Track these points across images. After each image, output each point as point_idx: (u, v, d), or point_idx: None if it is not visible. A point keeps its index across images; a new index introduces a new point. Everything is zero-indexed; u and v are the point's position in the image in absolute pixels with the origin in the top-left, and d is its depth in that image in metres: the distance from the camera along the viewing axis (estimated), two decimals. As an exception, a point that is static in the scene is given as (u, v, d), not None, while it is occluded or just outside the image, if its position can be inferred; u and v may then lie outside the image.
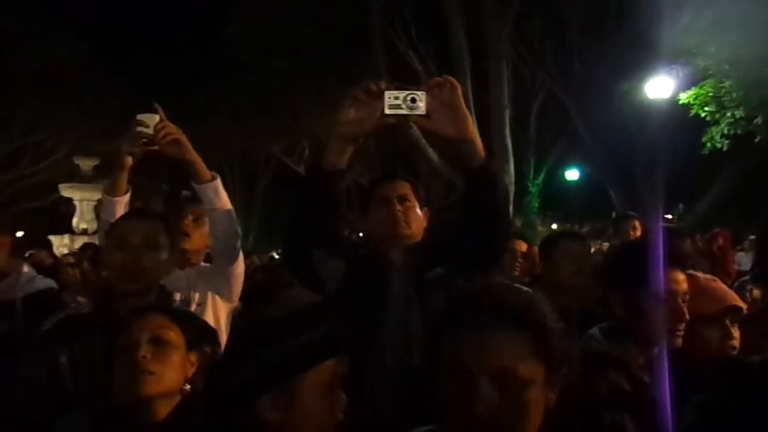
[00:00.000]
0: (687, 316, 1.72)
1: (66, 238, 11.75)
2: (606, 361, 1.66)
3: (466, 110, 1.84)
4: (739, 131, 10.64)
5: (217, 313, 2.42)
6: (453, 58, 12.99)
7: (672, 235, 2.82)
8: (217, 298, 2.42)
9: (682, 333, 1.72)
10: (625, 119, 14.09)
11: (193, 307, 2.37)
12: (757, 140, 10.71)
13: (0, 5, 14.48)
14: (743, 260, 6.98)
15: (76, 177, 13.43)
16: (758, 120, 10.30)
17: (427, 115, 1.78)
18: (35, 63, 15.65)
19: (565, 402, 1.09)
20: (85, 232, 12.13)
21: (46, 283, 3.45)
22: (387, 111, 1.76)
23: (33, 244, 6.56)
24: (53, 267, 5.26)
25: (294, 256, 2.07)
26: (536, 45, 15.21)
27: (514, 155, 13.67)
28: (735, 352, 1.85)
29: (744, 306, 1.96)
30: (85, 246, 5.79)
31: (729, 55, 9.76)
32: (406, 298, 1.98)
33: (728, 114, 10.50)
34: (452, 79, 1.84)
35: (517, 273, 3.45)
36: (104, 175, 12.19)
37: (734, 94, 10.28)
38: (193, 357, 1.64)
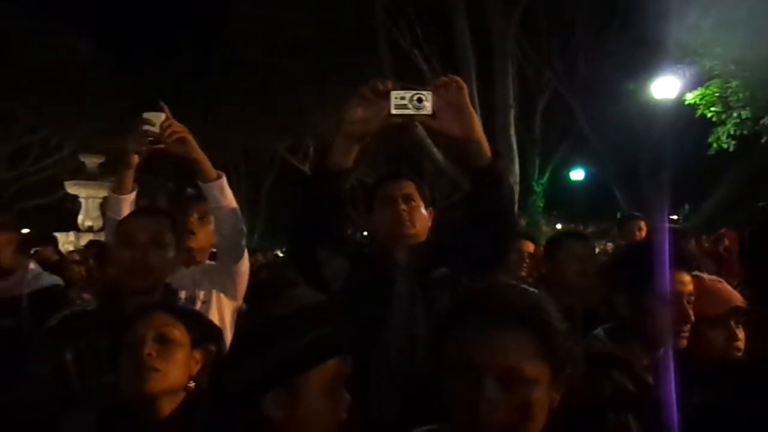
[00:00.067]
0: (692, 318, 1.71)
1: (71, 235, 11.78)
2: (610, 361, 1.66)
3: (472, 110, 1.84)
4: (745, 132, 10.59)
5: (222, 311, 2.42)
6: (458, 57, 12.97)
7: (677, 236, 2.82)
8: (222, 296, 2.43)
9: (687, 334, 1.72)
10: (631, 119, 14.04)
11: (197, 305, 2.38)
12: (763, 141, 10.66)
13: (3, 5, 14.52)
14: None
15: (81, 174, 13.46)
16: (765, 120, 10.25)
17: (433, 115, 1.78)
18: (41, 62, 15.68)
19: (569, 402, 1.09)
20: (90, 229, 12.16)
21: (52, 279, 3.47)
22: (393, 111, 1.76)
23: (39, 241, 6.59)
24: (59, 264, 5.29)
25: (299, 255, 2.07)
26: (542, 44, 15.17)
27: (519, 155, 13.65)
28: (740, 354, 1.85)
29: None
30: (91, 243, 5.81)
31: (735, 55, 9.71)
32: (411, 297, 1.98)
33: (734, 114, 10.46)
34: (458, 79, 1.83)
35: (524, 273, 3.44)
36: (110, 173, 12.23)
37: (741, 95, 10.24)
38: (197, 355, 1.65)
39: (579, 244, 3.01)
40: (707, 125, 11.03)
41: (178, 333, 1.60)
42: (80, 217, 12.70)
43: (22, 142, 18.45)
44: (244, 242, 2.37)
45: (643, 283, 1.67)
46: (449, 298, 1.86)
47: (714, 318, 1.85)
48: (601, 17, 13.57)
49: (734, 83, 10.23)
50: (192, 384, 1.62)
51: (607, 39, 13.50)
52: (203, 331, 1.77)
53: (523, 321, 1.04)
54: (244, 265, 2.40)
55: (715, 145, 10.95)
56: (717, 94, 10.48)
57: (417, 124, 1.96)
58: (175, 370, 1.57)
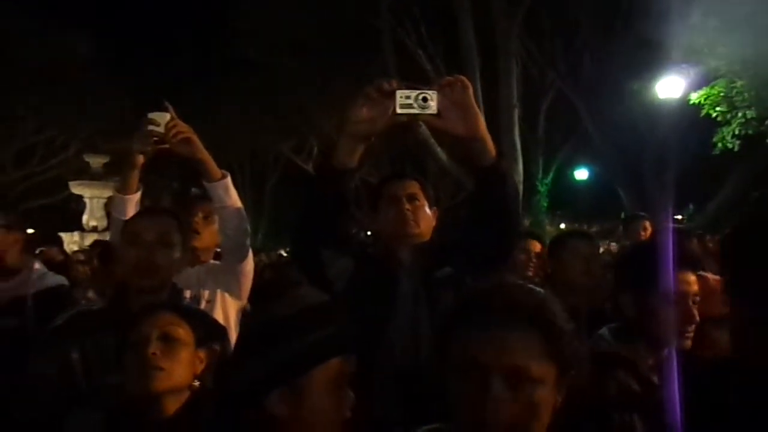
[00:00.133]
0: (697, 318, 1.71)
1: (76, 235, 11.81)
2: (615, 361, 1.65)
3: (477, 109, 1.84)
4: (750, 132, 10.55)
5: (227, 311, 2.43)
6: (462, 57, 12.97)
7: (682, 236, 2.81)
8: (227, 295, 2.43)
9: (692, 334, 1.71)
10: (635, 119, 14.00)
11: (202, 305, 2.38)
12: (768, 140, 10.64)
13: (4, 5, 14.56)
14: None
15: (86, 174, 13.50)
16: (770, 120, 10.23)
17: (438, 114, 1.78)
18: (41, 62, 15.72)
19: (574, 402, 1.09)
20: (95, 229, 12.19)
21: (57, 279, 3.47)
22: (398, 110, 1.76)
23: (43, 241, 6.60)
24: (64, 264, 5.30)
25: (303, 255, 2.08)
26: (546, 44, 15.15)
27: (523, 154, 13.64)
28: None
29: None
30: (95, 243, 5.83)
31: (740, 55, 9.67)
32: (415, 297, 1.98)
33: (739, 114, 10.42)
34: (463, 78, 1.83)
35: (530, 273, 3.43)
36: (114, 173, 12.26)
37: (746, 94, 10.20)
38: (202, 354, 1.65)
39: (583, 243, 3.00)
40: (712, 125, 10.99)
41: (183, 332, 1.61)
42: (85, 217, 12.74)
43: (27, 142, 18.51)
44: (248, 242, 2.38)
45: (647, 283, 1.67)
46: (453, 298, 1.87)
47: (719, 318, 1.84)
48: (606, 17, 13.54)
49: (739, 83, 10.19)
50: (197, 383, 1.62)
51: (611, 39, 13.46)
52: (208, 330, 1.78)
53: (529, 320, 1.04)
54: (249, 264, 2.40)
55: (719, 145, 10.90)
56: (722, 94, 10.44)
57: (421, 123, 1.96)
58: (180, 369, 1.57)
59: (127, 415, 1.55)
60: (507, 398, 1.00)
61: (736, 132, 10.59)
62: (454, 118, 1.81)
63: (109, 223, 2.89)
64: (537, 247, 3.56)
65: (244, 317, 2.46)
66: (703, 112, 10.71)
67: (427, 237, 2.12)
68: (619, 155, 15.00)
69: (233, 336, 2.16)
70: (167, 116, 2.19)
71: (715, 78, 10.49)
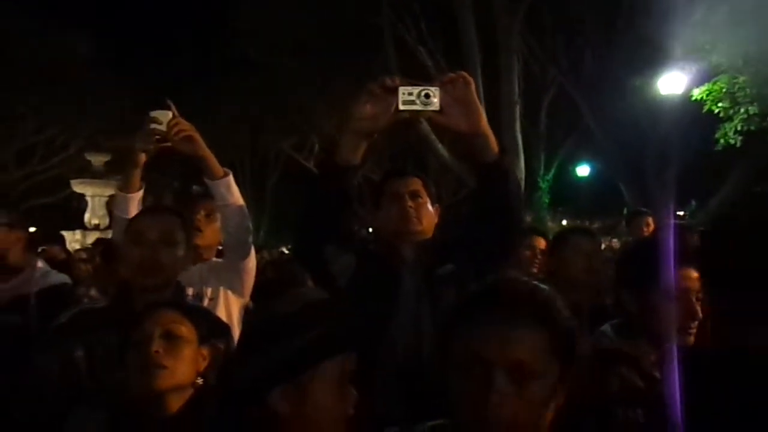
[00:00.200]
0: (700, 314, 1.71)
1: (78, 234, 11.82)
2: (618, 357, 1.66)
3: (479, 105, 1.84)
4: (752, 127, 10.52)
5: (229, 308, 2.43)
6: (463, 53, 12.95)
7: (684, 232, 2.80)
8: (229, 293, 2.44)
9: (694, 330, 1.71)
10: (637, 115, 13.96)
11: (205, 302, 2.39)
12: (771, 137, 10.61)
13: (4, 5, 14.55)
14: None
15: (87, 173, 13.51)
16: (772, 116, 10.20)
17: (440, 111, 1.78)
18: (42, 62, 15.72)
19: (577, 398, 1.09)
20: (97, 227, 12.21)
21: (60, 278, 3.48)
22: (401, 107, 1.76)
23: (45, 239, 6.60)
24: (66, 262, 5.31)
25: (306, 252, 2.08)
26: (547, 40, 15.12)
27: (525, 151, 13.62)
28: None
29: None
30: (98, 241, 5.84)
31: (742, 50, 9.64)
32: (417, 294, 1.98)
33: (742, 110, 10.38)
34: (465, 75, 1.83)
35: (535, 269, 3.43)
36: (116, 171, 12.27)
37: (748, 90, 10.17)
38: (205, 351, 1.66)
39: (585, 240, 3.00)
40: (714, 121, 10.96)
41: (186, 330, 1.61)
42: (87, 216, 12.75)
43: (29, 141, 18.52)
44: (250, 239, 2.38)
45: (650, 279, 1.67)
46: (455, 295, 1.87)
47: None
48: (607, 13, 13.50)
49: (741, 79, 10.16)
50: (200, 380, 1.62)
51: (613, 35, 13.43)
52: (211, 327, 1.78)
53: (532, 316, 1.04)
54: (251, 262, 2.40)
55: (722, 140, 10.87)
56: (724, 90, 10.41)
57: (422, 120, 1.96)
58: (183, 367, 1.58)
59: (130, 414, 1.56)
60: (510, 393, 1.00)
61: (738, 128, 10.56)
62: (457, 114, 1.81)
63: (111, 222, 2.90)
64: (542, 243, 3.55)
65: (247, 315, 2.46)
66: (706, 108, 10.68)
67: (429, 234, 2.13)
68: (621, 151, 14.97)
69: (236, 333, 2.16)
70: (169, 114, 2.19)
71: (717, 74, 10.45)
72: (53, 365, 1.83)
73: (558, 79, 15.48)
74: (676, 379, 1.23)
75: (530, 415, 1.01)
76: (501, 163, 1.92)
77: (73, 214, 14.73)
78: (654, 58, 11.28)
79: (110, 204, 11.00)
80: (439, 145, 13.86)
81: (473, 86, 1.84)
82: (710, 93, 10.54)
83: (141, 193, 2.33)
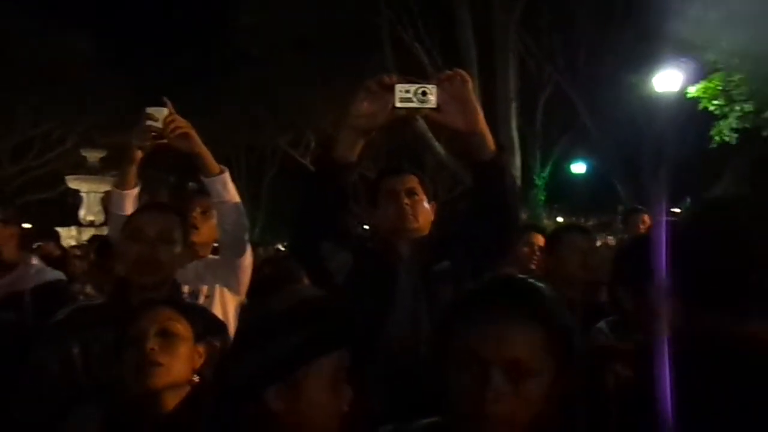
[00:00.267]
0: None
1: (73, 230, 11.80)
2: (613, 354, 1.66)
3: (476, 103, 1.84)
4: (747, 125, 10.56)
5: (225, 306, 2.43)
6: (460, 51, 12.95)
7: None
8: (225, 290, 2.43)
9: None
10: (633, 113, 14.01)
11: (201, 300, 2.39)
12: (765, 134, 10.63)
13: (3, 4, 14.48)
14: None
15: (82, 169, 13.49)
16: (767, 114, 10.23)
17: (437, 108, 1.78)
18: (42, 57, 15.66)
19: (572, 395, 1.09)
20: (92, 223, 12.19)
21: (55, 274, 3.47)
22: (398, 104, 1.76)
23: (41, 235, 6.59)
24: (61, 258, 5.29)
25: (302, 249, 2.08)
26: (544, 38, 15.14)
27: (521, 148, 13.65)
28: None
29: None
30: (93, 238, 5.83)
31: (738, 48, 9.67)
32: (414, 291, 1.98)
33: (737, 108, 10.43)
34: (463, 73, 1.83)
35: (534, 266, 3.43)
36: (111, 167, 12.24)
37: (743, 88, 10.21)
38: (201, 349, 1.65)
39: (580, 237, 3.01)
40: (709, 118, 11.00)
41: (181, 327, 1.61)
42: (82, 212, 12.72)
43: (24, 136, 18.44)
44: (247, 237, 2.38)
45: (646, 277, 1.67)
46: (452, 292, 1.88)
47: None
48: (604, 11, 13.53)
49: (737, 76, 10.19)
50: (196, 378, 1.62)
51: (609, 33, 13.45)
52: (207, 325, 1.78)
53: (530, 314, 1.04)
54: (247, 259, 2.40)
55: (717, 138, 10.92)
56: (719, 88, 10.44)
57: (419, 117, 1.96)
58: (179, 365, 1.58)
59: (126, 411, 1.55)
60: (507, 391, 1.00)
61: (734, 125, 10.60)
62: (454, 112, 1.81)
63: (106, 218, 2.89)
64: (540, 240, 3.54)
65: (242, 312, 2.46)
66: (701, 105, 10.71)
67: (425, 231, 2.13)
68: (617, 149, 15.03)
69: (232, 331, 2.16)
70: (165, 111, 2.18)
71: (713, 72, 10.49)
72: (51, 363, 1.83)
73: (554, 77, 15.52)
74: (667, 375, 1.24)
75: (527, 413, 1.02)
76: (497, 160, 1.92)
77: (68, 210, 14.69)
78: (649, 56, 11.31)
79: (105, 200, 10.97)
80: (436, 143, 13.87)
81: (470, 84, 1.84)
82: (706, 91, 10.58)
83: (137, 190, 2.32)
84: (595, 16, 13.87)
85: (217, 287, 2.43)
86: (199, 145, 2.22)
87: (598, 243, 6.33)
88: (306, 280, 2.33)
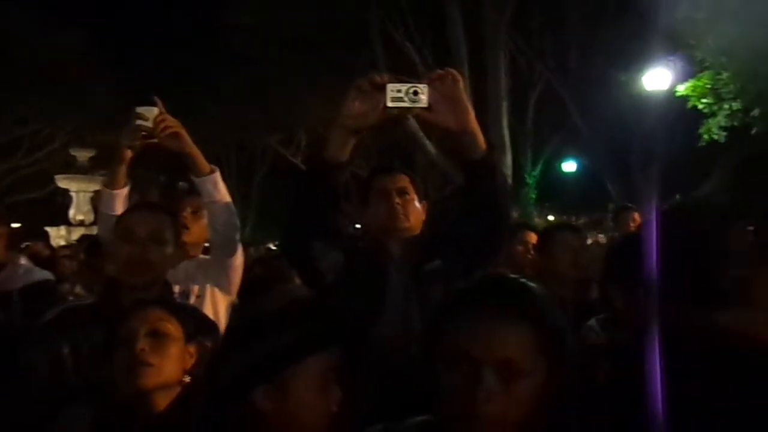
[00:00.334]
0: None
1: (63, 230, 11.73)
2: (604, 352, 1.67)
3: (467, 102, 1.84)
4: (736, 123, 10.62)
5: (216, 306, 2.42)
6: (451, 49, 12.97)
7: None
8: (216, 290, 2.43)
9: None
10: (623, 111, 14.08)
11: (192, 300, 2.38)
12: (753, 132, 10.71)
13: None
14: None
15: (72, 168, 13.40)
16: (755, 112, 10.29)
17: (428, 108, 1.78)
18: (32, 55, 15.54)
19: (564, 394, 1.09)
20: (81, 223, 12.11)
21: (43, 274, 3.45)
22: (389, 103, 1.76)
23: (30, 235, 6.53)
24: (50, 258, 5.26)
25: (293, 249, 2.07)
26: (534, 37, 15.18)
27: (512, 147, 13.68)
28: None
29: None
30: (83, 237, 5.79)
31: (727, 47, 9.74)
32: (405, 290, 1.98)
33: (725, 106, 10.48)
34: (454, 72, 1.83)
35: (528, 264, 3.42)
36: (101, 166, 12.17)
37: (732, 86, 10.27)
38: (192, 349, 1.65)
39: (571, 236, 3.02)
40: (698, 117, 11.06)
41: (172, 327, 1.60)
42: (71, 211, 12.64)
43: (13, 135, 18.28)
44: (237, 236, 2.37)
45: (636, 274, 1.68)
46: (443, 291, 1.88)
47: None
48: (594, 10, 13.59)
49: (725, 75, 10.25)
50: (187, 378, 1.62)
51: (599, 31, 13.51)
52: (197, 325, 1.77)
53: (521, 314, 1.04)
54: (238, 259, 2.39)
55: (706, 136, 10.98)
56: (708, 86, 10.50)
57: (410, 117, 1.96)
58: (170, 365, 1.57)
59: (117, 412, 1.55)
60: (498, 391, 1.00)
61: (723, 123, 10.66)
62: (445, 111, 1.81)
63: (96, 218, 2.87)
64: (534, 238, 3.55)
65: (232, 312, 2.45)
66: (690, 103, 10.78)
67: (417, 231, 2.13)
68: (607, 147, 15.10)
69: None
70: (155, 111, 2.17)
71: (702, 70, 10.55)
72: (41, 363, 1.82)
73: (545, 76, 15.56)
74: (658, 371, 1.25)
75: (518, 412, 1.02)
76: (489, 159, 1.92)
77: (57, 209, 14.58)
78: (639, 55, 11.37)
79: (95, 200, 10.92)
80: (427, 142, 13.88)
81: (461, 83, 1.84)
82: (694, 89, 10.64)
83: (127, 189, 2.31)
84: (586, 16, 13.93)
85: (208, 287, 2.42)
86: (189, 144, 2.21)
87: (589, 241, 6.36)
88: (297, 280, 2.33)
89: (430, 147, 14.00)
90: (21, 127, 18.21)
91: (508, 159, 13.10)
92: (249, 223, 22.15)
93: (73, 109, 16.85)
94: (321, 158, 1.93)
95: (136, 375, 1.52)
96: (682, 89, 10.80)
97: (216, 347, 1.81)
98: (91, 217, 11.84)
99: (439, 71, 1.84)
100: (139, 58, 18.37)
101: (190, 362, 1.64)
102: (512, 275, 1.16)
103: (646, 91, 11.84)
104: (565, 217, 22.00)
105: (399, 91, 1.75)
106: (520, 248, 3.48)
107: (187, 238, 2.59)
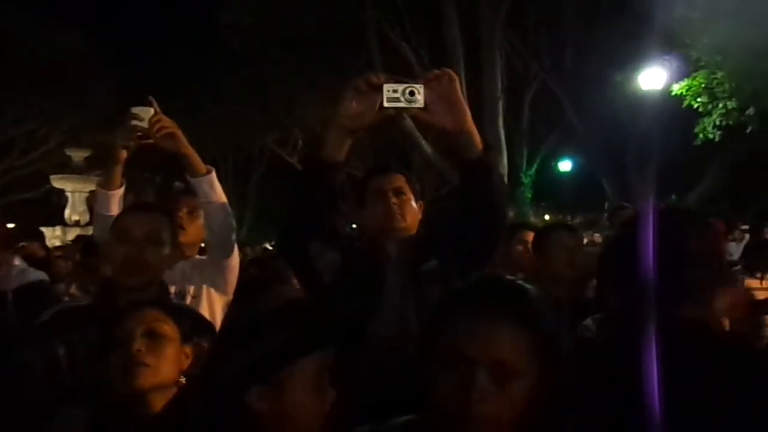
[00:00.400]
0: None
1: (58, 230, 11.70)
2: (599, 350, 1.67)
3: (464, 102, 1.84)
4: (731, 122, 10.65)
5: (212, 306, 2.42)
6: (447, 49, 12.98)
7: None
8: (212, 290, 2.42)
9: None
10: (619, 110, 14.12)
11: (188, 300, 2.37)
12: (748, 131, 10.75)
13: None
14: (734, 250, 7.05)
15: (67, 168, 13.38)
16: (750, 111, 10.32)
17: (425, 108, 1.78)
18: (32, 54, 15.49)
19: (560, 394, 1.10)
20: (77, 223, 12.09)
21: (38, 275, 3.45)
22: (386, 104, 1.76)
23: (25, 235, 6.51)
24: (46, 259, 5.25)
25: (290, 249, 2.07)
26: (530, 37, 15.20)
27: (508, 146, 13.71)
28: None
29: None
30: (79, 238, 5.78)
31: (722, 46, 9.77)
32: (402, 290, 1.98)
33: (720, 105, 10.51)
34: (450, 72, 1.83)
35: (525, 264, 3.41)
36: (96, 166, 12.15)
37: (726, 85, 10.29)
38: (188, 350, 1.65)
39: (567, 235, 3.02)
40: (693, 116, 11.09)
41: (168, 328, 1.60)
42: (67, 212, 12.62)
43: (8, 135, 18.21)
44: (234, 237, 2.37)
45: (630, 272, 1.68)
46: (440, 291, 1.88)
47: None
48: (589, 9, 13.61)
49: (720, 74, 10.28)
50: (183, 379, 1.62)
51: (594, 31, 13.53)
52: (194, 325, 1.77)
53: (516, 315, 1.04)
54: (234, 259, 2.39)
55: (701, 135, 11.01)
56: (703, 85, 10.53)
57: (406, 116, 1.96)
58: (166, 366, 1.57)
59: (113, 413, 1.54)
60: (492, 391, 1.01)
61: (717, 122, 10.69)
62: (441, 111, 1.81)
63: (91, 218, 2.88)
64: (531, 237, 3.54)
65: (227, 312, 2.45)
66: (685, 103, 10.81)
67: (413, 231, 2.13)
68: (603, 147, 15.13)
69: (220, 331, 2.15)
70: (151, 111, 2.17)
71: (697, 69, 10.58)
72: (36, 364, 1.82)
73: (540, 75, 15.58)
74: (655, 370, 1.27)
75: (512, 413, 1.02)
76: (485, 159, 1.93)
77: (53, 209, 14.55)
78: (634, 54, 11.40)
79: (91, 200, 10.90)
80: (423, 142, 13.89)
81: (458, 83, 1.84)
82: (690, 88, 10.67)
83: (122, 189, 2.31)
84: (581, 15, 13.95)
85: (204, 287, 2.42)
86: (185, 145, 2.21)
87: (585, 240, 6.37)
88: (294, 280, 2.32)
89: (426, 147, 14.02)
90: (16, 126, 18.15)
91: (504, 158, 13.13)
92: (246, 224, 22.15)
93: (72, 109, 16.81)
94: (318, 158, 1.93)
95: (132, 375, 1.52)
96: (677, 88, 10.83)
97: (212, 347, 1.81)
98: (86, 218, 11.82)
99: (436, 71, 1.84)
100: (138, 58, 18.36)
101: (186, 363, 1.64)
102: (508, 277, 1.17)
103: (642, 90, 11.89)
104: (560, 216, 22.07)
105: (395, 91, 1.75)
106: (519, 248, 3.47)
107: (183, 238, 2.59)
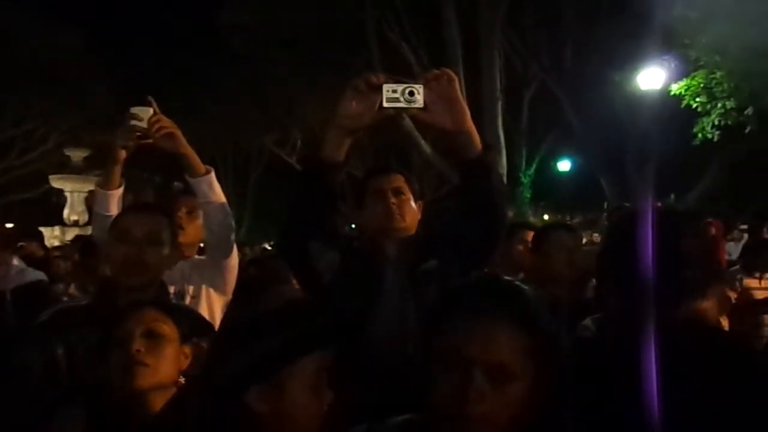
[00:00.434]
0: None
1: (57, 230, 11.70)
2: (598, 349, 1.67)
3: (463, 103, 1.84)
4: (729, 122, 10.67)
5: (212, 306, 2.42)
6: (446, 49, 12.99)
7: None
8: (212, 291, 2.42)
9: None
10: (617, 110, 14.14)
11: (187, 300, 2.37)
12: (747, 131, 10.77)
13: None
14: (732, 250, 7.07)
15: (66, 168, 13.37)
16: (749, 111, 10.34)
17: (424, 108, 1.78)
18: (31, 54, 15.49)
19: (555, 394, 1.10)
20: (76, 223, 12.08)
21: (36, 275, 3.45)
22: (385, 104, 1.76)
23: (24, 235, 6.51)
24: (44, 259, 5.25)
25: (290, 249, 2.07)
26: (529, 36, 15.21)
27: (507, 146, 13.73)
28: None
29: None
30: (78, 238, 5.78)
31: (721, 46, 9.78)
32: (401, 291, 1.98)
33: (719, 105, 10.53)
34: (450, 72, 1.83)
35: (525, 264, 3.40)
36: (95, 166, 12.14)
37: (725, 85, 10.31)
38: (187, 350, 1.65)
39: (566, 235, 3.01)
40: (692, 115, 11.11)
41: (167, 328, 1.60)
42: (66, 212, 12.62)
43: (7, 135, 18.21)
44: (233, 237, 2.37)
45: (629, 272, 1.68)
46: (439, 291, 1.88)
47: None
48: (588, 9, 13.62)
49: (719, 74, 10.30)
50: (182, 379, 1.62)
51: (593, 31, 13.55)
52: (193, 326, 1.77)
53: (516, 318, 1.05)
54: (233, 259, 2.40)
55: (699, 135, 11.03)
56: (702, 85, 10.55)
57: (405, 116, 1.96)
58: (165, 366, 1.57)
59: (112, 412, 1.55)
60: (489, 392, 1.01)
61: (716, 122, 10.71)
62: (441, 111, 1.81)
63: (91, 218, 2.88)
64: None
65: (225, 312, 2.45)
66: (684, 102, 10.82)
67: (412, 231, 2.13)
68: (602, 146, 15.14)
69: (219, 331, 2.15)
70: (150, 111, 2.17)
71: (696, 69, 10.60)
72: (35, 364, 1.82)
73: (539, 75, 15.59)
74: (654, 370, 1.27)
75: (508, 413, 1.03)
76: (484, 159, 1.92)
77: (51, 209, 14.54)
78: (633, 54, 11.41)
79: (90, 200, 10.89)
80: (422, 142, 13.90)
81: (457, 83, 1.84)
82: (688, 88, 10.68)
83: (121, 189, 2.31)
84: (580, 15, 13.96)
85: (203, 287, 2.42)
86: (184, 145, 2.21)
87: (584, 240, 6.38)
88: (293, 280, 2.32)
89: (425, 147, 14.03)
90: (15, 126, 18.14)
91: (503, 158, 13.14)
92: (245, 224, 22.15)
93: (72, 109, 16.83)
94: (317, 158, 1.93)
95: (131, 375, 1.52)
96: (676, 88, 10.85)
97: (211, 347, 1.81)
98: (85, 218, 11.81)
99: (435, 71, 1.84)
100: (138, 58, 18.35)
101: (186, 363, 1.64)
102: (507, 278, 1.17)
103: (641, 90, 11.90)
104: (560, 216, 22.09)
105: (395, 91, 1.75)
106: (519, 248, 3.47)
107: (182, 238, 2.58)
